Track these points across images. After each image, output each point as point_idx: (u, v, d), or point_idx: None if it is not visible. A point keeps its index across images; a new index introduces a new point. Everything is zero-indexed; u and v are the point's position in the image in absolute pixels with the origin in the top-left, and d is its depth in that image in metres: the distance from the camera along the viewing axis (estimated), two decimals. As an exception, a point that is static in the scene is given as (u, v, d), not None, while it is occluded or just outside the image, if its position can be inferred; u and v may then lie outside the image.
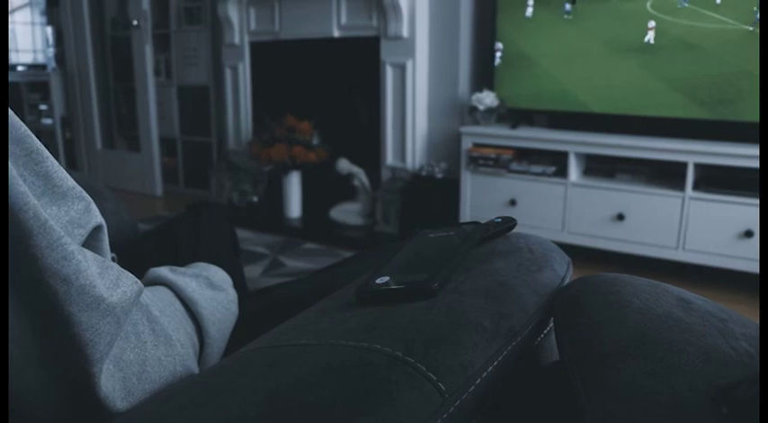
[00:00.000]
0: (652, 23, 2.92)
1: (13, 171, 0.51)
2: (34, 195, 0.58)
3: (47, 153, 0.61)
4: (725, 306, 0.64)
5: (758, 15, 2.63)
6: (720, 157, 2.71)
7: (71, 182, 0.63)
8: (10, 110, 0.59)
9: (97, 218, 0.64)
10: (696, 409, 0.48)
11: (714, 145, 2.73)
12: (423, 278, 0.65)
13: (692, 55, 2.84)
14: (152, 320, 0.64)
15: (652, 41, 2.92)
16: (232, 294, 0.86)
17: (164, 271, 0.80)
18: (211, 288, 0.83)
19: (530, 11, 3.22)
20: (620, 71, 3.03)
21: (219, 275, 0.89)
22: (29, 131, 0.60)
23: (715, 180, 2.78)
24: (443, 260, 0.70)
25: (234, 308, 0.85)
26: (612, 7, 3.00)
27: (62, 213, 0.60)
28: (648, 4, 2.90)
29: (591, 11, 3.06)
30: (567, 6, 3.13)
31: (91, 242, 0.64)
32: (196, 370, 0.68)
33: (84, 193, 0.64)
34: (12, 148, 0.57)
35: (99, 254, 0.65)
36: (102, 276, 0.55)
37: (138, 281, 0.60)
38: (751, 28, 2.65)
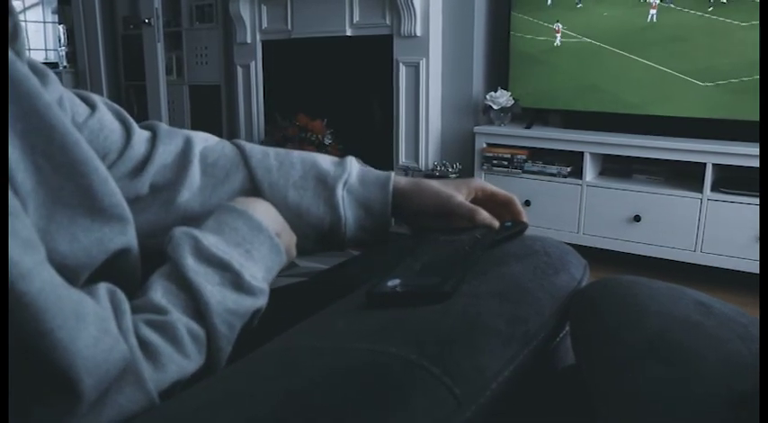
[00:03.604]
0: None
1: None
2: (70, 204, 0.59)
3: (95, 164, 0.62)
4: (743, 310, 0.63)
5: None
6: (739, 158, 2.69)
7: (115, 199, 0.64)
8: (64, 118, 0.60)
9: (123, 241, 0.65)
10: (715, 414, 0.47)
11: (733, 145, 2.71)
12: (435, 281, 0.64)
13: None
14: None
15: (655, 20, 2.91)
16: (262, 301, 0.68)
17: (185, 253, 0.65)
18: (237, 289, 0.66)
19: (543, 7, 3.20)
20: (636, 68, 3.01)
21: (261, 264, 0.70)
22: (80, 141, 0.61)
23: (734, 181, 2.75)
24: (456, 264, 0.69)
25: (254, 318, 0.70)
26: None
27: (95, 227, 0.61)
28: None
29: (602, 7, 3.05)
30: None
31: (114, 264, 0.65)
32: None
33: (126, 214, 0.66)
34: (57, 157, 0.59)
35: (122, 277, 0.65)
36: (94, 348, 0.49)
37: (128, 353, 0.53)
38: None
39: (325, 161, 0.89)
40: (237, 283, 0.65)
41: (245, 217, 0.71)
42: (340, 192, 0.85)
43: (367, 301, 0.65)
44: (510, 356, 0.58)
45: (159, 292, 0.62)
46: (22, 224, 0.49)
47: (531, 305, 0.65)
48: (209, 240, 0.66)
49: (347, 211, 0.86)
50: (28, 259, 0.46)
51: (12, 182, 0.54)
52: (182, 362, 0.58)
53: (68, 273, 0.57)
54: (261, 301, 0.67)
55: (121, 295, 0.57)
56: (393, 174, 0.88)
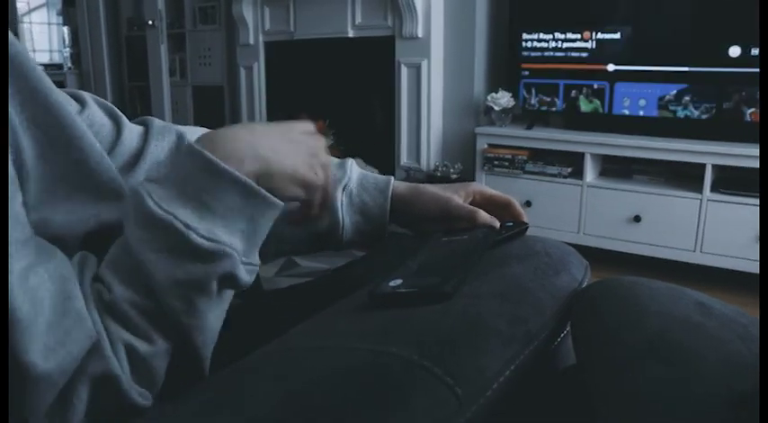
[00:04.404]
0: None
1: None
2: (66, 179, 0.58)
3: (90, 140, 0.61)
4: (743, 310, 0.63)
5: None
6: (739, 159, 2.68)
7: (111, 175, 0.63)
8: (59, 93, 0.59)
9: (119, 216, 0.64)
10: (716, 415, 0.47)
11: (733, 146, 2.71)
12: (436, 282, 0.65)
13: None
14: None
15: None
16: (226, 264, 0.57)
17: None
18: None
19: (544, 9, 3.21)
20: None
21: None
22: (75, 117, 0.60)
23: (733, 182, 2.75)
24: (457, 264, 0.69)
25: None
26: None
27: (91, 202, 0.61)
28: None
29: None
30: None
31: (105, 237, 0.63)
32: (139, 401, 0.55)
33: (123, 191, 0.64)
34: (54, 132, 0.58)
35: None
36: (48, 332, 0.47)
37: (95, 334, 0.51)
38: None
39: None
40: (182, 246, 0.54)
41: (200, 159, 0.57)
42: (339, 196, 0.84)
43: (369, 301, 0.65)
44: (511, 357, 0.58)
45: (110, 262, 0.56)
46: (17, 198, 0.49)
47: (531, 305, 0.65)
48: (156, 196, 0.55)
49: (345, 215, 0.85)
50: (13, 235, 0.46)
51: (18, 150, 0.54)
52: (137, 343, 0.53)
53: (64, 243, 0.57)
54: (224, 265, 0.56)
55: (90, 260, 0.56)
56: (392, 179, 0.88)
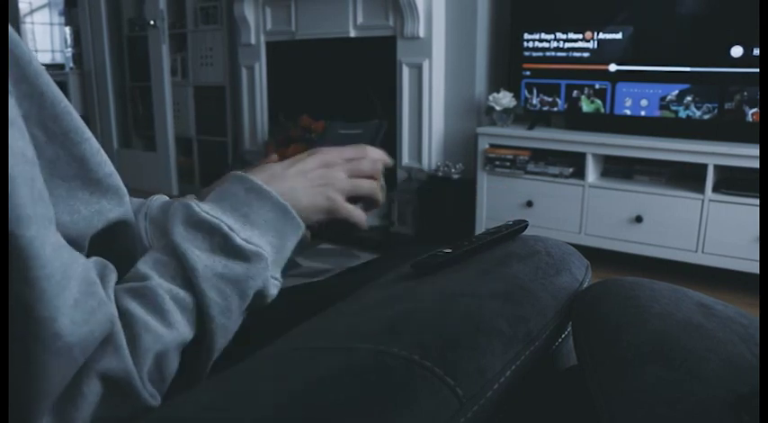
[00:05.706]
0: None
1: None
2: (67, 176, 0.58)
3: (87, 134, 0.60)
4: (745, 311, 0.63)
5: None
6: (741, 159, 2.68)
7: (108, 169, 0.62)
8: (54, 84, 0.58)
9: (121, 212, 0.64)
10: (716, 416, 0.47)
11: (735, 146, 2.71)
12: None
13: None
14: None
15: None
16: (259, 266, 0.63)
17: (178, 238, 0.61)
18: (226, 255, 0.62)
19: (545, 9, 3.21)
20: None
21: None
22: (70, 108, 0.59)
23: (735, 182, 2.75)
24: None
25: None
26: None
27: (93, 200, 0.60)
28: None
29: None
30: None
31: (109, 237, 0.63)
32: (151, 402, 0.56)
33: (121, 184, 0.64)
34: (50, 126, 0.57)
35: (119, 252, 0.64)
36: (75, 308, 0.49)
37: (115, 317, 0.53)
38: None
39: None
40: (226, 246, 0.61)
41: (243, 180, 0.67)
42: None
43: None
44: (512, 357, 0.58)
45: (149, 262, 0.60)
46: (40, 178, 0.49)
47: (533, 305, 0.65)
48: (203, 207, 0.63)
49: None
50: (33, 207, 0.46)
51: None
52: (160, 330, 0.56)
53: (77, 247, 0.56)
54: (258, 267, 0.63)
55: (111, 267, 0.57)
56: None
